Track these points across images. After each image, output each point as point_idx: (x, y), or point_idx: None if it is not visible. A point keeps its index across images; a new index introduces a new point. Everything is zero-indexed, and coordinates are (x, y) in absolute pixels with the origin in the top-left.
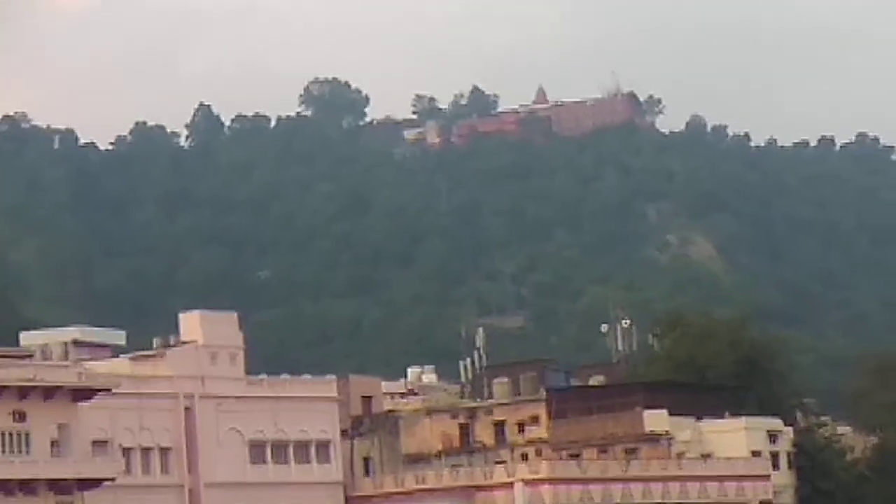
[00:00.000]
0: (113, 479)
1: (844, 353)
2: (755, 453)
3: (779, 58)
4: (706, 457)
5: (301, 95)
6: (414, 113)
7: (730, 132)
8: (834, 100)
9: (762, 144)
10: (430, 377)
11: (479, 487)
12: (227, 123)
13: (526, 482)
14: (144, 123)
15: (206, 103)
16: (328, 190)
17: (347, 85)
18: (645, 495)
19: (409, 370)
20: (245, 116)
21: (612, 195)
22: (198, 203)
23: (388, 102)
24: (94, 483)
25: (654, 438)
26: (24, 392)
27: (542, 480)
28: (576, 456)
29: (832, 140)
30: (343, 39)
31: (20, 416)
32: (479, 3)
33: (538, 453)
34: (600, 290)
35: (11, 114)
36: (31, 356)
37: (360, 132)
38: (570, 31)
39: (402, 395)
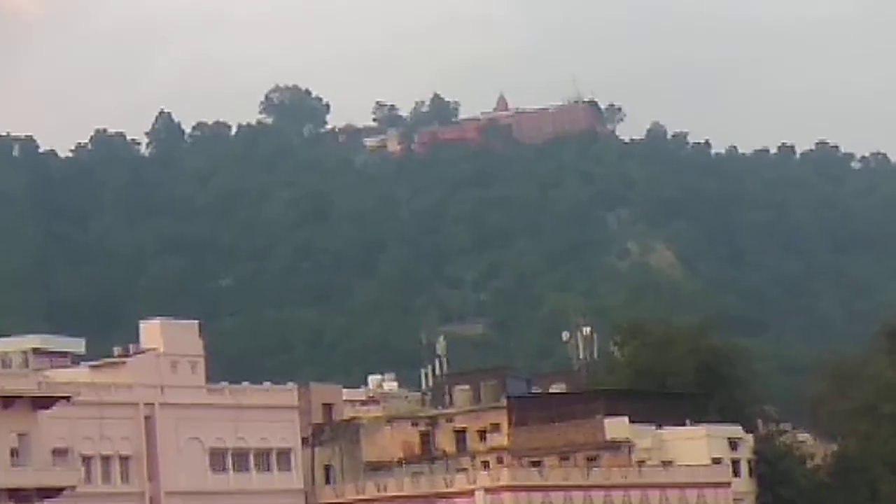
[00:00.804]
0: (73, 488)
1: (804, 360)
2: (716, 461)
3: (739, 66)
4: (667, 464)
5: (262, 103)
6: (375, 120)
7: (690, 140)
8: (794, 108)
9: (722, 152)
10: (391, 385)
11: (440, 495)
12: (188, 131)
13: (487, 490)
14: (105, 131)
15: (167, 111)
16: (289, 197)
17: (308, 92)
18: (606, 503)
19: (370, 378)
20: (206, 124)
21: (573, 202)
22: (158, 211)
23: (348, 110)
24: (54, 492)
25: (614, 446)
26: None
27: (504, 488)
28: (537, 463)
29: (792, 148)
30: (304, 47)
31: None
32: (439, 12)
33: (499, 461)
34: (561, 298)
35: None
36: None
37: (320, 140)
38: (531, 39)
39: (363, 402)
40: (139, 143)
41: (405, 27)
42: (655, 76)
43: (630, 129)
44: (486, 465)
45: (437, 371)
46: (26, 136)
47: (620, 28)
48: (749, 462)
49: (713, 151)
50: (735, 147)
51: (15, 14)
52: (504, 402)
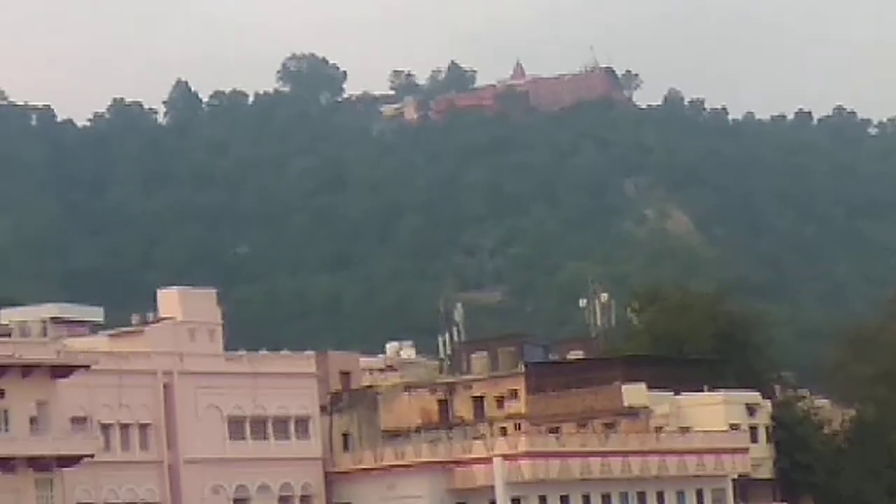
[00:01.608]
0: (92, 456)
1: (822, 326)
2: (733, 426)
3: (756, 31)
4: (684, 430)
5: (279, 72)
6: (392, 89)
7: (707, 106)
8: (811, 73)
9: (739, 118)
10: (408, 352)
11: (457, 462)
12: (205, 100)
13: (505, 457)
14: (122, 100)
15: (184, 80)
16: (306, 166)
17: (325, 61)
18: (623, 469)
19: (388, 345)
20: (223, 93)
21: (590, 169)
22: (175, 180)
23: (365, 78)
24: (73, 460)
25: (632, 412)
26: (2, 370)
27: (521, 455)
28: (555, 430)
29: (809, 114)
30: (321, 15)
31: None
32: None
33: (517, 428)
34: (578, 265)
35: None
36: (9, 334)
37: (337, 108)
38: (547, 6)
39: (381, 370)
40: (156, 112)
41: None
42: (672, 42)
43: (647, 96)
44: (503, 431)
45: (455, 338)
46: (44, 105)
47: None
48: (767, 428)
49: (730, 118)
50: (752, 113)
51: None
52: (522, 368)
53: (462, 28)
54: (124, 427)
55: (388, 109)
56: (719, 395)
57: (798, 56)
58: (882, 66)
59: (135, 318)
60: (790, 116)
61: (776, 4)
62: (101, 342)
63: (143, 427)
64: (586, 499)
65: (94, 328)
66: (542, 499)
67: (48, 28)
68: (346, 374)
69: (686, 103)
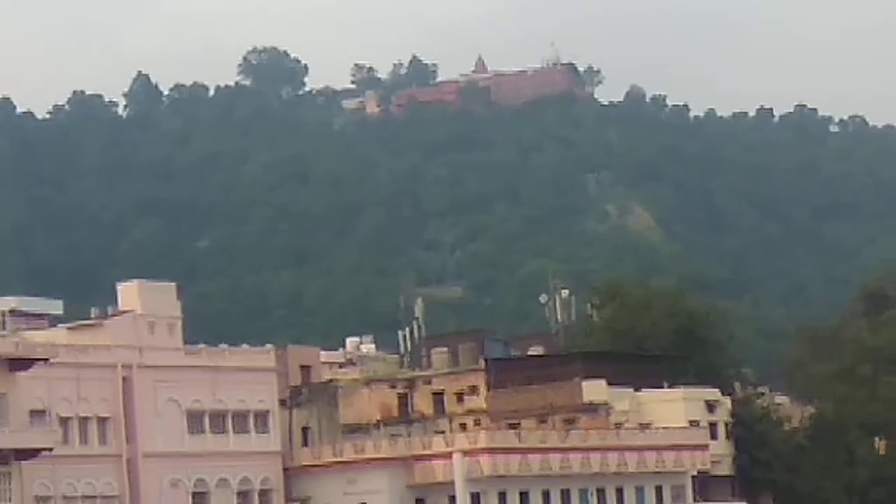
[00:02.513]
0: (51, 449)
1: (782, 324)
2: (693, 423)
3: (718, 28)
4: (644, 426)
5: (240, 65)
6: (353, 83)
7: (669, 103)
8: (772, 70)
9: (701, 115)
10: (368, 347)
11: (417, 457)
12: (166, 93)
13: (465, 452)
14: (83, 92)
15: (145, 73)
16: (267, 160)
17: (286, 54)
18: (584, 465)
19: (348, 340)
20: (183, 86)
21: (552, 165)
22: (136, 173)
23: (327, 72)
24: (31, 453)
25: (592, 408)
26: None
27: (481, 450)
28: (515, 426)
29: (770, 111)
30: (282, 8)
31: None
32: None
33: (477, 423)
34: (539, 261)
35: None
36: None
37: (299, 102)
38: (509, 1)
39: (341, 365)
40: (117, 105)
41: None
42: (634, 38)
43: (608, 92)
44: (463, 427)
45: (416, 334)
46: (3, 97)
47: None
48: (726, 425)
49: (692, 114)
50: (714, 110)
51: None
52: (482, 364)
53: (424, 22)
54: (83, 420)
55: (349, 103)
56: (679, 391)
57: (759, 53)
58: (843, 63)
59: (94, 312)
60: (751, 114)
61: (738, 1)
62: (60, 335)
63: (102, 420)
64: (546, 495)
65: (54, 321)
66: (502, 494)
67: (7, 20)
68: (306, 369)
69: (648, 100)
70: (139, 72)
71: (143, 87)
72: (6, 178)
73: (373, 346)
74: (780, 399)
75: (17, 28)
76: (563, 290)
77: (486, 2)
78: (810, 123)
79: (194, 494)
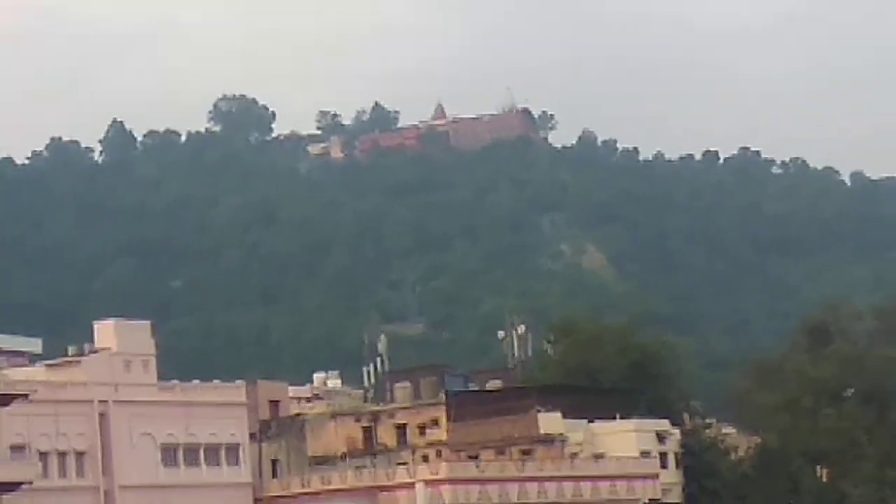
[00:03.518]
0: (30, 482)
1: (728, 357)
2: (644, 453)
3: (664, 75)
4: (598, 457)
5: (210, 112)
6: (318, 128)
7: (619, 146)
8: (717, 114)
9: (650, 158)
10: (334, 382)
11: (381, 488)
12: (140, 139)
13: (427, 482)
14: (60, 139)
15: (119, 120)
16: (237, 203)
17: (255, 101)
18: (540, 494)
19: (315, 375)
20: (156, 132)
21: (508, 207)
22: (112, 216)
23: (293, 118)
24: (12, 486)
25: (548, 440)
26: None
27: (442, 481)
28: (474, 457)
29: (716, 153)
30: (250, 57)
31: None
32: (379, 23)
33: (438, 454)
34: (497, 299)
35: None
36: None
37: (266, 147)
38: (467, 49)
39: (308, 399)
40: (93, 151)
41: (347, 38)
42: (586, 84)
43: (562, 136)
44: (425, 458)
45: (379, 369)
46: None
47: (552, 41)
48: (676, 455)
49: (641, 157)
50: (662, 153)
51: None
52: (442, 398)
53: (385, 70)
54: (61, 454)
55: (314, 148)
56: (631, 423)
57: (704, 97)
58: (784, 107)
59: (71, 349)
60: (698, 156)
61: (683, 48)
62: (39, 372)
63: (80, 454)
64: None
65: (33, 359)
66: None
67: None
68: (274, 403)
69: (599, 143)
70: (114, 119)
71: (117, 133)
72: None
73: (339, 381)
74: (728, 430)
75: None
76: (520, 327)
77: (445, 50)
78: (754, 165)
79: None
